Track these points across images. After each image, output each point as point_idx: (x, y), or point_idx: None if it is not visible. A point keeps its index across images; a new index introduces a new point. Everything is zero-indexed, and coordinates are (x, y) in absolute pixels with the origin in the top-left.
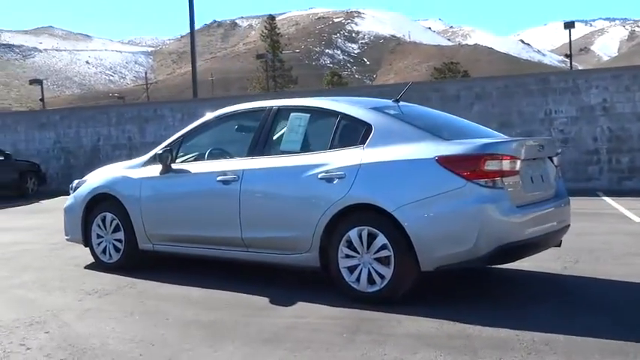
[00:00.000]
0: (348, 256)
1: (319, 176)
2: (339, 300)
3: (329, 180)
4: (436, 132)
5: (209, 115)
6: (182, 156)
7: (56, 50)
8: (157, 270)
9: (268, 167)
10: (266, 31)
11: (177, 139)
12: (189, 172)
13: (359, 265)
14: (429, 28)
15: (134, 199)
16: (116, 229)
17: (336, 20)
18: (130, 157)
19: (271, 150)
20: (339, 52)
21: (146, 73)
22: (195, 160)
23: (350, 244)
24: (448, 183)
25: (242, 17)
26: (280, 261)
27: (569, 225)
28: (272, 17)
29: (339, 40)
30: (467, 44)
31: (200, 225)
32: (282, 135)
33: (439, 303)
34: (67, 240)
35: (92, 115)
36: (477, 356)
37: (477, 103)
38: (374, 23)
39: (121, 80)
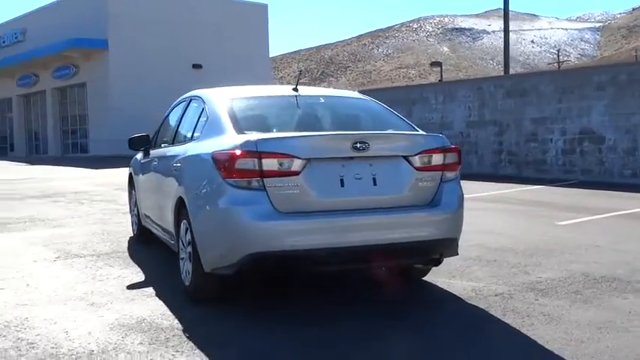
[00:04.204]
0: (182, 249)
1: (173, 167)
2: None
3: (176, 171)
4: (247, 126)
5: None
6: (159, 141)
7: (503, 31)
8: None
9: (165, 155)
10: None
11: (160, 125)
12: (151, 157)
13: (184, 258)
14: None
15: (135, 180)
16: (135, 205)
17: None
18: None
19: (179, 138)
20: None
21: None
22: (159, 146)
23: (183, 237)
24: (214, 181)
25: None
26: (172, 247)
27: (445, 239)
28: None
29: None
30: None
31: (149, 207)
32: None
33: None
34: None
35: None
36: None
37: None
38: None
39: (565, 58)
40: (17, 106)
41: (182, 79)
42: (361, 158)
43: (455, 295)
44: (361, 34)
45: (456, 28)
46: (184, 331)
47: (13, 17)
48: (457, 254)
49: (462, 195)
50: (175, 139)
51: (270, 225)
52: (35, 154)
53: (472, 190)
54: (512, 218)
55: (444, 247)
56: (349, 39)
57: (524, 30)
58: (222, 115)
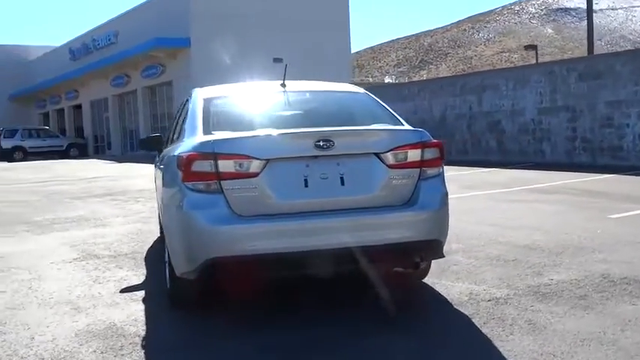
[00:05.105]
0: (166, 252)
1: (160, 168)
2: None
3: (162, 171)
4: (219, 125)
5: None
6: (169, 140)
7: (612, 9)
8: None
9: (162, 156)
10: None
11: (173, 124)
12: (160, 157)
13: (166, 261)
14: None
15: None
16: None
17: None
18: (469, 127)
19: (174, 138)
20: None
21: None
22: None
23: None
24: (177, 183)
25: None
26: None
27: (425, 241)
28: None
29: None
30: None
31: (158, 207)
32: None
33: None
34: None
35: (441, 86)
36: None
37: None
38: None
39: None
40: (112, 105)
41: (263, 73)
42: (327, 157)
43: (445, 300)
44: (461, 20)
45: (561, 8)
46: (145, 338)
47: (106, 20)
48: (442, 257)
49: (446, 193)
50: (172, 138)
51: (227, 229)
52: (130, 151)
53: (535, 180)
54: (562, 211)
55: (423, 249)
56: (449, 25)
57: (635, 6)
58: (197, 115)
